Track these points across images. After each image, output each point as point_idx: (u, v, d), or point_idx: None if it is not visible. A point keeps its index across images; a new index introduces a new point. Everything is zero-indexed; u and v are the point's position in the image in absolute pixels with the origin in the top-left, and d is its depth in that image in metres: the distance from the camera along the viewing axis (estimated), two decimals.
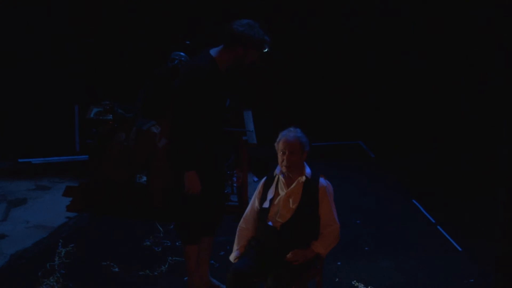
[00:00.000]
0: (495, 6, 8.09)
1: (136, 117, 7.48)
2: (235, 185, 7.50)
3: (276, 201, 5.33)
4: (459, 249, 6.83)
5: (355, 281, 6.28)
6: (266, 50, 5.59)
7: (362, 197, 7.84)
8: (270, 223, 5.32)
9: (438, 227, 7.22)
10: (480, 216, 7.37)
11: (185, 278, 6.14)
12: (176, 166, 5.61)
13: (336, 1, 8.67)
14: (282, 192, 5.33)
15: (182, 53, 7.39)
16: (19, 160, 8.37)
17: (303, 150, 5.27)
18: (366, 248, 6.82)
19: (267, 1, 8.45)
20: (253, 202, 5.49)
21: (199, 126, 5.52)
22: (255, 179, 7.94)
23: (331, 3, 8.66)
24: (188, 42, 7.52)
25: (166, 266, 6.46)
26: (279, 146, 5.31)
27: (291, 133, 5.30)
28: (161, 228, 7.07)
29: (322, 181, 5.35)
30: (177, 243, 6.76)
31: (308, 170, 5.37)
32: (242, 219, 5.53)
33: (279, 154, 5.31)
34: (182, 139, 5.49)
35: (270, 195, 5.38)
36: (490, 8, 8.23)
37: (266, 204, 5.37)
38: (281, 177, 5.38)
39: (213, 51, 5.58)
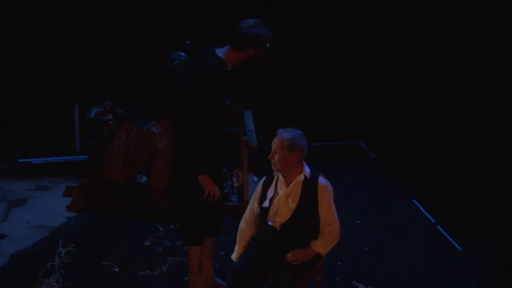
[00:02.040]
0: (495, 6, 8.08)
1: (136, 117, 7.47)
2: (235, 185, 7.49)
3: (275, 201, 5.33)
4: (459, 249, 6.83)
5: (355, 281, 6.28)
6: (269, 45, 5.55)
7: (362, 197, 7.84)
8: (270, 223, 5.33)
9: (438, 227, 7.22)
10: (480, 216, 7.36)
11: (185, 278, 6.14)
12: (189, 172, 5.57)
13: (336, 0, 8.67)
14: (281, 192, 5.33)
15: (182, 53, 7.38)
16: (19, 160, 8.36)
17: (290, 150, 5.25)
18: (366, 248, 6.82)
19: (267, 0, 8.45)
20: (252, 203, 5.50)
21: (207, 128, 5.50)
22: (255, 179, 7.94)
23: (331, 2, 8.65)
24: (188, 42, 7.52)
25: (166, 266, 6.46)
26: None
27: (284, 133, 5.31)
28: (161, 228, 7.06)
29: (321, 180, 5.35)
30: (177, 243, 6.76)
31: (307, 169, 5.37)
32: (242, 219, 5.54)
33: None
34: (196, 144, 5.45)
35: (269, 194, 5.38)
36: (490, 8, 8.22)
37: (266, 204, 5.37)
38: (280, 177, 5.38)
39: (220, 52, 5.51)
